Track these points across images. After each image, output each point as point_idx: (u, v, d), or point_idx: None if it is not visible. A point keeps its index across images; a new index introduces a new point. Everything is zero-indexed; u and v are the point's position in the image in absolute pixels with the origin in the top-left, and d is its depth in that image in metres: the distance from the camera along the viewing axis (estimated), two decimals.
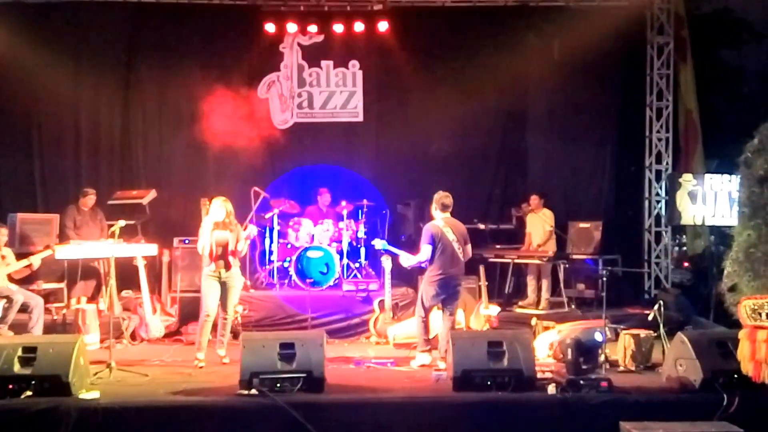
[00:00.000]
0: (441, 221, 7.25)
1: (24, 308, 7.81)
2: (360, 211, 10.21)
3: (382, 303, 8.59)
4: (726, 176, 10.34)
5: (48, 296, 8.81)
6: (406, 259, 7.48)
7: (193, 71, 10.95)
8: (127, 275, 8.75)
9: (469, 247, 7.36)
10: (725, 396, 5.62)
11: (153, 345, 8.33)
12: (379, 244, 8.06)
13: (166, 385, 6.29)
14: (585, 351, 6.08)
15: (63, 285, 9.07)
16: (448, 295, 7.16)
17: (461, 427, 5.68)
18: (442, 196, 7.30)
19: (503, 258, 9.86)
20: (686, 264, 12.83)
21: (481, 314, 8.25)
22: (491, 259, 9.68)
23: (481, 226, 10.33)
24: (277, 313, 8.92)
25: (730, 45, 13.78)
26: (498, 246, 10.24)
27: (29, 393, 5.66)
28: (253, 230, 7.83)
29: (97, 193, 9.60)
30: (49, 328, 8.11)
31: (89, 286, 9.13)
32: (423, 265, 7.26)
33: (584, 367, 6.04)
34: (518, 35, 11.14)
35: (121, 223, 7.53)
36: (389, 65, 11.29)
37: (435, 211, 7.32)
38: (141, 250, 8.63)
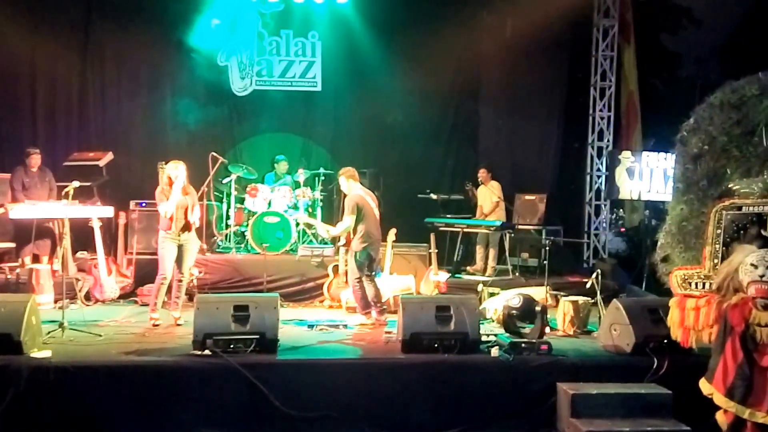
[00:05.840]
0: (361, 191, 7.62)
1: None
2: (316, 178, 10.36)
3: (336, 268, 8.74)
4: (662, 154, 10.79)
5: (2, 255, 8.76)
6: (326, 230, 7.88)
7: (153, 34, 10.82)
8: (82, 237, 8.77)
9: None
10: (655, 359, 5.82)
11: (107, 306, 8.31)
12: (302, 218, 8.72)
13: (119, 345, 6.24)
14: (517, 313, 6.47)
15: (14, 245, 8.98)
16: (377, 258, 7.58)
17: (409, 387, 5.79)
18: (353, 170, 7.74)
19: (453, 227, 10.12)
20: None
21: (430, 280, 8.45)
22: (441, 228, 9.86)
23: (434, 196, 10.64)
24: (233, 276, 8.98)
25: (669, 30, 14.21)
26: (448, 216, 10.48)
27: None
28: None
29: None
30: (2, 287, 8.03)
31: (44, 246, 9.06)
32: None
33: (515, 329, 6.40)
34: (473, 12, 11.38)
35: (75, 184, 7.45)
36: (348, 37, 11.37)
37: (350, 182, 7.63)
38: (96, 212, 8.59)
